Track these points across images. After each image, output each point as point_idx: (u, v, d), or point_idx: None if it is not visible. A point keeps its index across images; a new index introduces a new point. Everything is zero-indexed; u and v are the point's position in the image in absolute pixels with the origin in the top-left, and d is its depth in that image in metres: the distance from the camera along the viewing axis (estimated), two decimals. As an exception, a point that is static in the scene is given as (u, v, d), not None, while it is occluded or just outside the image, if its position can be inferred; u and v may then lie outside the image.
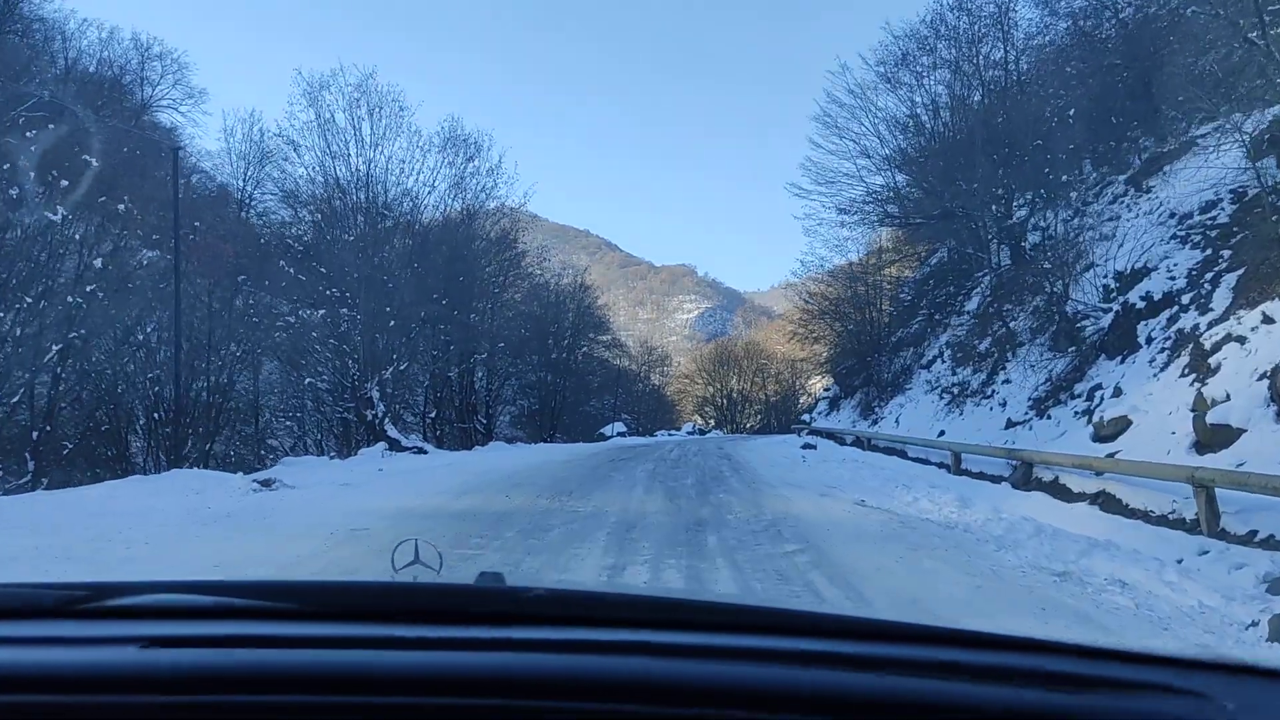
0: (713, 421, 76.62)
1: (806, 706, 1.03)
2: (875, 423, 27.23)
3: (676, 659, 1.12)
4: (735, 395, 78.53)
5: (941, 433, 20.25)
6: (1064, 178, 23.36)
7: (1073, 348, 17.94)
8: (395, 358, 29.34)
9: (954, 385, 23.20)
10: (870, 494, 13.24)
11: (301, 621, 1.33)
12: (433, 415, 35.81)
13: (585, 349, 54.12)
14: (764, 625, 1.29)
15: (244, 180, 34.16)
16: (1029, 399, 17.88)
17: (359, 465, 20.94)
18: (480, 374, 40.51)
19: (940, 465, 18.12)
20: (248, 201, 34.49)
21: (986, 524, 10.09)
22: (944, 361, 26.44)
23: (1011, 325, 22.05)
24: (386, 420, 29.84)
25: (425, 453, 29.91)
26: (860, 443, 25.40)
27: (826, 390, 40.43)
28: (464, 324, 35.22)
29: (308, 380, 27.84)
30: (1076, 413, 15.39)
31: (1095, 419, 13.73)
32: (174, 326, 18.73)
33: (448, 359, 37.44)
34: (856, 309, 34.84)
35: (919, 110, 30.51)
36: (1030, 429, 16.44)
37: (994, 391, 19.91)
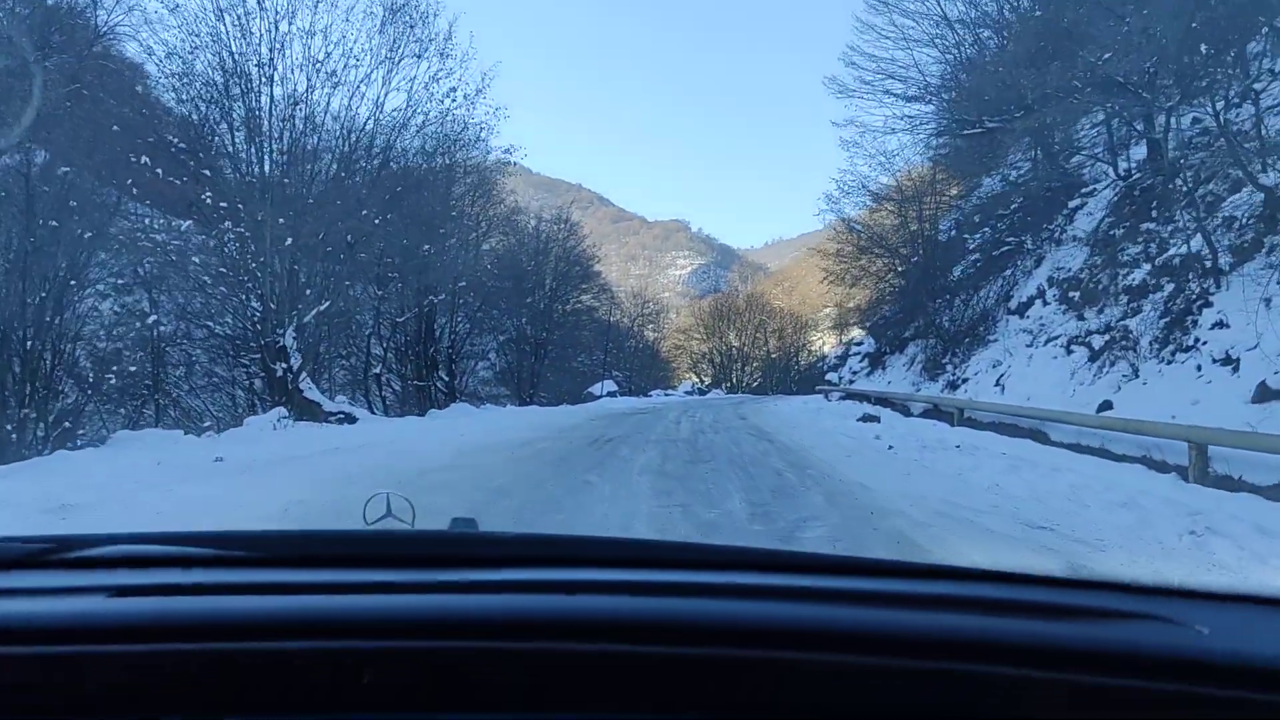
0: (708, 379, 69.21)
1: (782, 641, 0.97)
2: (955, 386, 19.64)
3: (655, 596, 1.08)
4: (735, 352, 71.02)
5: (1106, 404, 12.65)
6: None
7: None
8: (310, 294, 21.59)
9: (1089, 335, 15.61)
10: (1163, 556, 5.69)
11: (271, 569, 1.25)
12: (376, 371, 28.06)
13: (573, 299, 46.41)
14: (738, 563, 1.27)
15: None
16: (1293, 352, 10.31)
17: (205, 448, 13.38)
18: (443, 321, 32.75)
19: (1143, 463, 10.60)
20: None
21: None
22: (1049, 303, 18.89)
23: (1184, 249, 14.42)
24: (303, 376, 22.19)
25: (353, 421, 22.29)
26: (942, 414, 17.86)
27: (858, 344, 32.77)
28: (417, 256, 27.45)
29: (151, 318, 20.05)
30: None
31: None
32: None
33: (401, 300, 29.70)
34: (907, 242, 27.04)
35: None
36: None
37: (1198, 342, 12.30)
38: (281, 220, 19.34)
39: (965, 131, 24.47)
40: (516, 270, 39.55)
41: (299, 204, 22.02)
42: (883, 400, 22.68)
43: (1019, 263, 21.62)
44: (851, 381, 28.33)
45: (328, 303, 22.66)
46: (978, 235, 25.11)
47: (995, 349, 19.38)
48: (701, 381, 67.60)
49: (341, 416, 22.15)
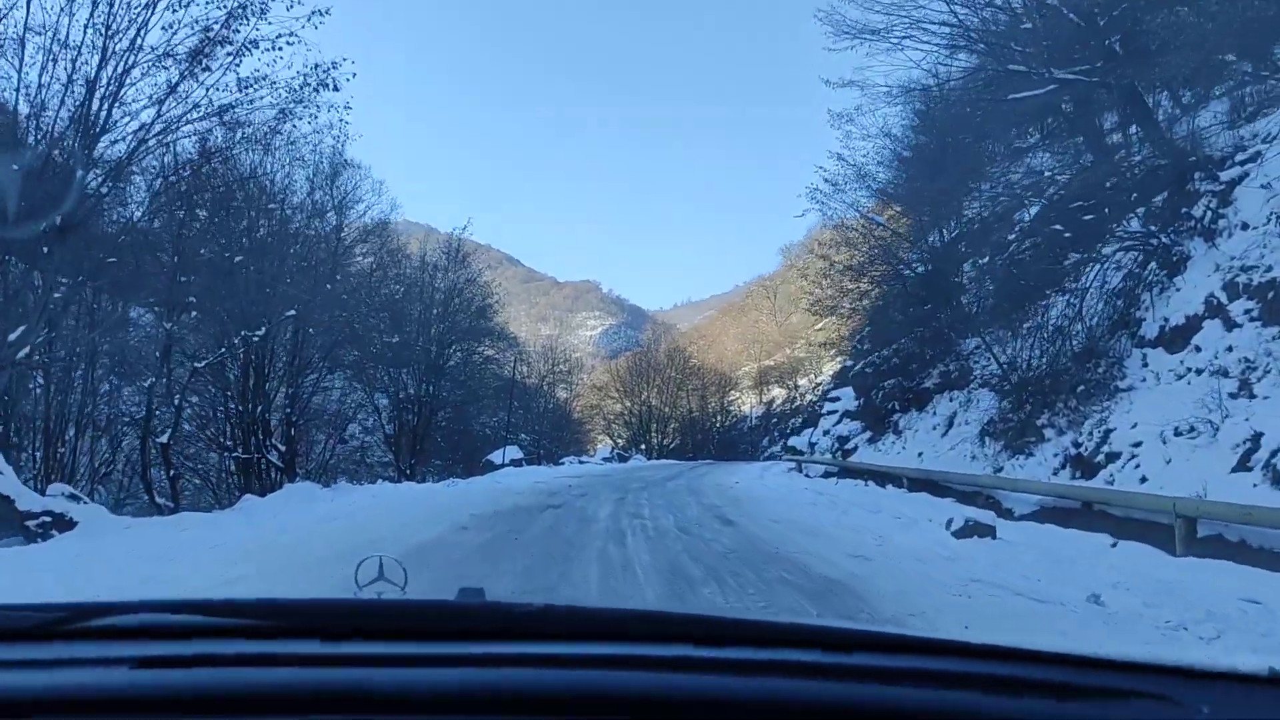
0: (622, 441, 60.43)
1: (793, 716, 0.95)
2: (1089, 468, 11.24)
3: (667, 672, 1.04)
4: (653, 412, 62.50)
5: None
6: None
7: None
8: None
9: None
10: None
11: (290, 639, 1.21)
12: (163, 439, 18.42)
13: (472, 350, 37.37)
14: (753, 638, 1.19)
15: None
16: None
17: None
18: (280, 371, 23.23)
19: None
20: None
21: None
22: (1239, 324, 10.85)
23: None
24: (-15, 456, 12.66)
25: (68, 527, 12.83)
26: (1083, 516, 9.44)
27: (833, 399, 24.42)
28: (222, 269, 18.15)
29: None
30: None
31: None
32: None
33: (215, 336, 20.12)
34: (923, 258, 18.88)
35: None
36: None
37: None
38: None
39: (1012, 95, 16.60)
40: (394, 311, 30.50)
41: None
42: (924, 483, 14.24)
43: (1139, 272, 13.57)
44: (842, 449, 19.76)
45: (44, 328, 13.20)
46: (1027, 242, 17.14)
47: (1150, 401, 11.15)
48: (617, 444, 58.76)
49: (45, 520, 12.66)
